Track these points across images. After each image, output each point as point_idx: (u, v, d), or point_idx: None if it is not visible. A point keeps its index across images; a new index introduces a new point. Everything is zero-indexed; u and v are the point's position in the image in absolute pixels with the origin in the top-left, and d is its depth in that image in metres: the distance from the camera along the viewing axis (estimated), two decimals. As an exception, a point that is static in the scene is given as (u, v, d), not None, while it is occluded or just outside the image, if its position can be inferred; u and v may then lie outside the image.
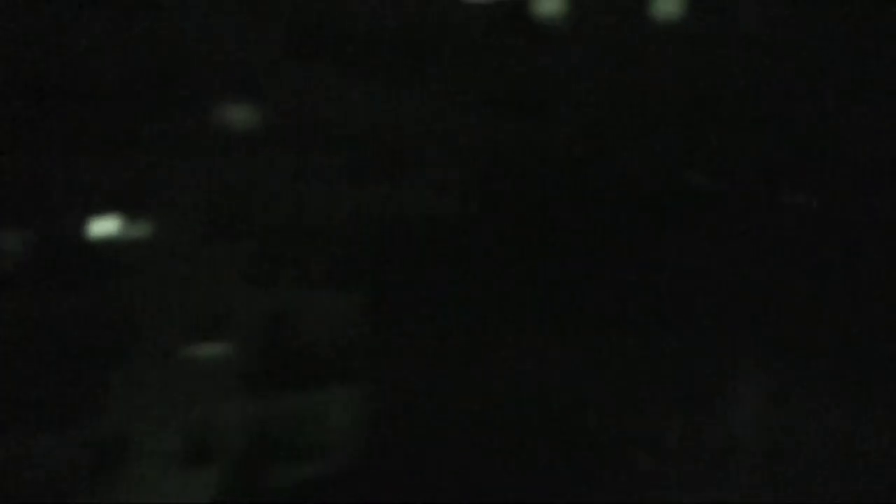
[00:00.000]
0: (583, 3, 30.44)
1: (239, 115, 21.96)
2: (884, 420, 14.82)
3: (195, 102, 21.19)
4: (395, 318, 17.83)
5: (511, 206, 23.25)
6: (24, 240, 17.36)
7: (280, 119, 21.99)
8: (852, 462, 13.54)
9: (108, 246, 18.17)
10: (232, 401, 16.46)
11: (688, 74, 36.16)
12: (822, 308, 18.53)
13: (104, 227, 18.60)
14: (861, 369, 16.35)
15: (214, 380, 16.67)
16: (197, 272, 18.78)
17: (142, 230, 18.93)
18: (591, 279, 20.30)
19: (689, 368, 16.58)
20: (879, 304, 18.38)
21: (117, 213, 19.03)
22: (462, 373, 15.76)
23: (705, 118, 37.28)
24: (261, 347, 17.25)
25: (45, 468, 15.02)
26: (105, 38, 19.46)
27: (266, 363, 17.04)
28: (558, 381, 16.04)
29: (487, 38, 26.08)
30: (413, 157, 24.32)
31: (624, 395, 15.80)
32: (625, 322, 18.42)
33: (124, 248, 18.25)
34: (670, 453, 14.79)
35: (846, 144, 24.39)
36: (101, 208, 18.81)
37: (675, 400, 15.63)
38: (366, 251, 20.93)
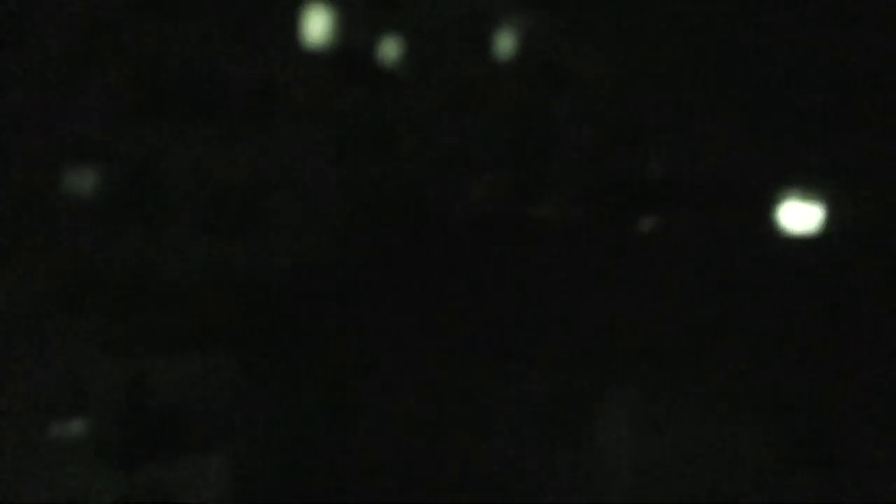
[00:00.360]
0: (427, 47, 30.75)
1: (84, 175, 21.18)
2: (756, 437, 15.31)
3: (39, 163, 20.33)
4: (263, 377, 17.39)
5: (371, 252, 23.15)
6: None
7: (128, 177, 21.31)
8: (727, 482, 13.90)
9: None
10: (98, 477, 15.66)
11: (528, 111, 37.07)
12: (687, 332, 19.13)
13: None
14: (732, 391, 16.89)
15: (77, 457, 15.83)
16: (47, 345, 17.89)
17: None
18: (456, 316, 20.36)
19: (555, 401, 16.75)
20: (745, 326, 19.09)
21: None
22: (335, 429, 15.45)
23: (547, 151, 38.23)
24: (123, 418, 16.52)
25: None
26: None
27: (130, 434, 16.32)
28: (431, 425, 15.92)
29: (335, 85, 26.03)
30: (268, 208, 23.94)
31: (498, 429, 15.80)
32: (489, 356, 18.51)
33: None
34: (544, 483, 14.88)
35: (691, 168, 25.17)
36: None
37: (548, 431, 15.76)
38: (226, 309, 20.41)
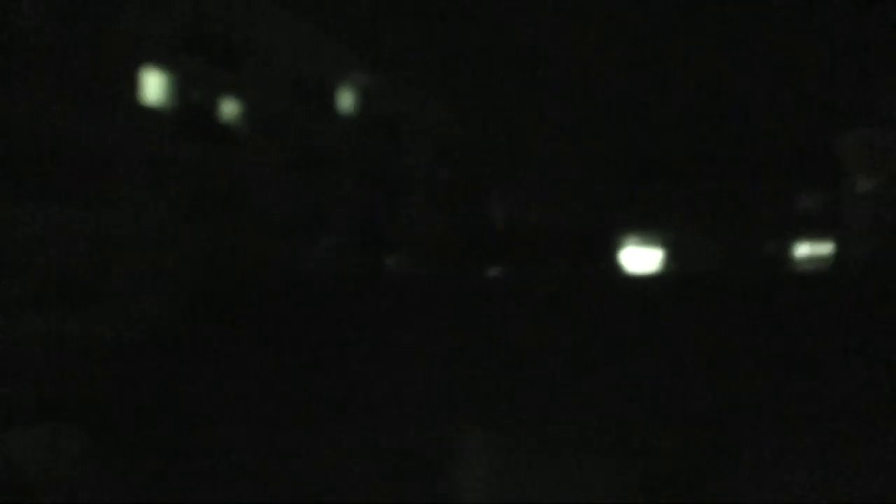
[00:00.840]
0: (269, 106, 30.71)
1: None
2: (611, 479, 15.66)
3: None
4: (107, 443, 16.91)
5: (214, 314, 22.84)
6: None
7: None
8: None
9: None
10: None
11: (372, 167, 37.50)
12: (539, 376, 19.55)
13: None
14: (586, 433, 17.29)
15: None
16: None
17: None
18: (303, 373, 20.27)
19: (407, 454, 16.82)
20: (595, 366, 19.64)
21: None
22: (179, 490, 15.11)
23: (394, 205, 38.72)
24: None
25: None
26: None
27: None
28: (277, 483, 15.74)
29: (176, 146, 25.74)
30: (109, 276, 23.37)
31: (348, 483, 15.73)
32: (338, 411, 18.51)
33: None
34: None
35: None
36: None
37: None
38: (69, 380, 19.78)
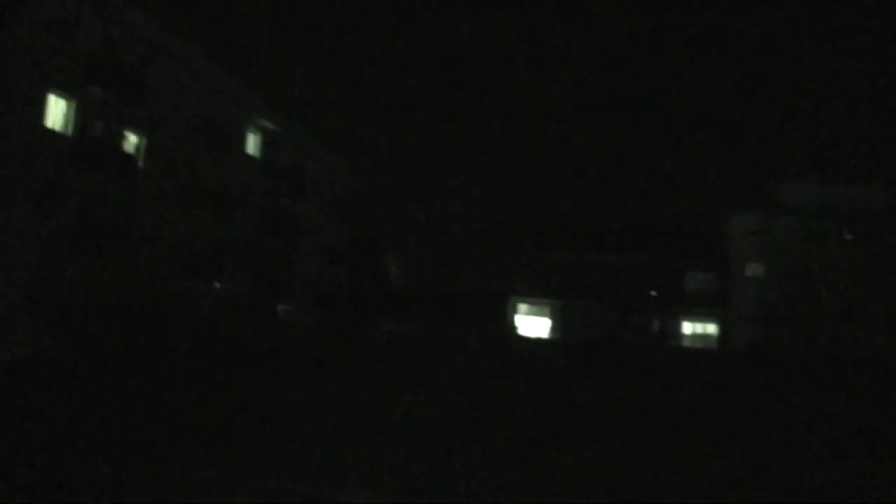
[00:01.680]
0: (168, 143, 30.12)
1: None
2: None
3: None
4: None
5: (97, 345, 22.21)
6: None
7: None
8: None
9: None
10: None
11: (269, 212, 37.18)
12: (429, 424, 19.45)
13: None
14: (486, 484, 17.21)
15: None
16: None
17: None
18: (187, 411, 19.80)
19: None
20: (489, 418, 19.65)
21: None
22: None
23: (287, 252, 38.42)
24: None
25: None
26: None
27: None
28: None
29: (71, 171, 25.17)
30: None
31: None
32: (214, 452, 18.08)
33: None
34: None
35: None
36: None
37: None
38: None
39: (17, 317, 23.40)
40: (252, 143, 35.70)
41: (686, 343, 42.10)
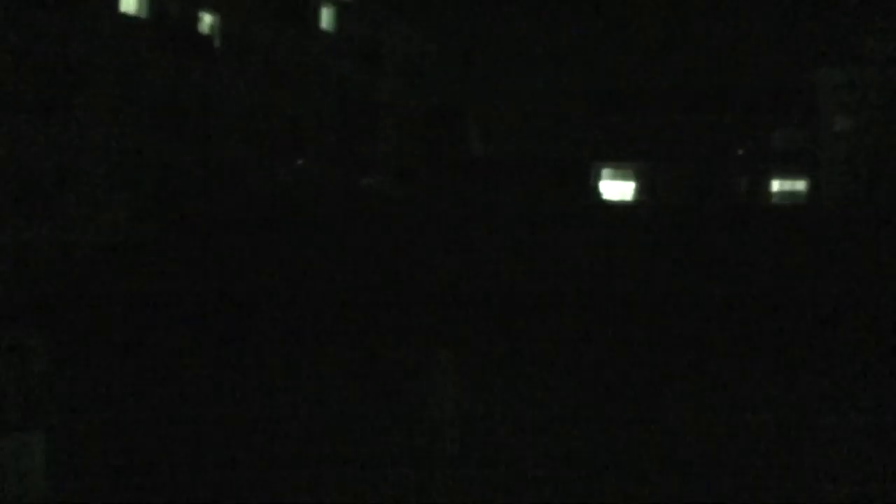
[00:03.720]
0: (245, 23, 29.92)
1: None
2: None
3: None
4: (73, 353, 16.57)
5: (186, 224, 22.33)
6: None
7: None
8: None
9: None
10: None
11: (349, 88, 36.88)
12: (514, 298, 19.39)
13: None
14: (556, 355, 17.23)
15: None
16: None
17: None
18: (271, 291, 19.97)
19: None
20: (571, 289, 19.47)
21: None
22: (155, 408, 14.80)
23: (371, 125, 38.19)
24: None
25: None
26: None
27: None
28: (246, 401, 15.46)
29: (149, 55, 25.07)
30: (77, 185, 22.85)
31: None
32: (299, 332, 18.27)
33: None
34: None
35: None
36: None
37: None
38: (34, 288, 19.37)
39: (106, 200, 23.71)
40: (326, 17, 35.20)
41: (775, 201, 41.19)
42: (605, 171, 45.78)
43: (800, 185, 43.27)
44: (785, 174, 43.66)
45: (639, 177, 44.39)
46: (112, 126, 23.89)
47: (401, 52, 43.10)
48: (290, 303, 19.20)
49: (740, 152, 42.74)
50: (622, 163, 45.08)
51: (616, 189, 44.07)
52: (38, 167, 22.75)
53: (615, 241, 21.67)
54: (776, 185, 43.83)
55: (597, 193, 42.86)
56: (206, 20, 28.15)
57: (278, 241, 21.59)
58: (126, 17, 24.63)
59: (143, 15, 25.34)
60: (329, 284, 20.04)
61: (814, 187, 42.39)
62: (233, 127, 29.23)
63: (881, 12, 42.87)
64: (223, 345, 17.28)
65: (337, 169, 35.40)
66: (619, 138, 46.20)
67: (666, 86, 47.87)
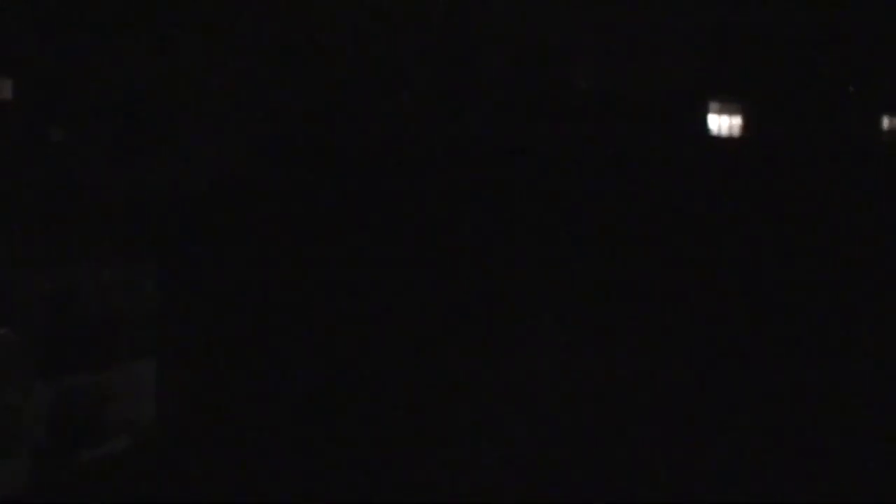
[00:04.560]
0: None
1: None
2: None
3: None
4: (188, 290, 17.14)
5: (310, 168, 22.64)
6: None
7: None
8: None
9: None
10: (23, 388, 15.38)
11: (442, 27, 36.65)
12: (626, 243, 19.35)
13: None
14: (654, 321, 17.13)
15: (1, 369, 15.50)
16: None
17: None
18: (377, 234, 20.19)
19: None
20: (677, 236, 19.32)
21: None
22: (262, 347, 15.31)
23: (467, 65, 37.98)
24: (47, 329, 16.21)
25: None
26: None
27: (55, 344, 16.04)
28: (358, 348, 15.77)
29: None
30: (185, 121, 23.48)
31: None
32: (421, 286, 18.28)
33: None
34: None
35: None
36: None
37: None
38: (152, 222, 20.06)
39: (216, 141, 24.23)
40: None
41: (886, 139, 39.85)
42: (713, 106, 44.88)
43: (911, 124, 41.78)
44: (896, 112, 42.20)
45: (746, 112, 43.40)
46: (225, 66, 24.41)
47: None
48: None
49: (851, 90, 41.48)
50: (730, 98, 44.11)
51: (726, 122, 43.13)
52: (152, 98, 23.39)
53: (723, 176, 21.36)
54: (886, 123, 42.44)
55: (705, 126, 41.99)
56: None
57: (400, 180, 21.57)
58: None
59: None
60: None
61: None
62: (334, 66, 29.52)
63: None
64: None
65: (435, 98, 35.44)
66: (728, 73, 45.13)
67: (777, 21, 46.43)
